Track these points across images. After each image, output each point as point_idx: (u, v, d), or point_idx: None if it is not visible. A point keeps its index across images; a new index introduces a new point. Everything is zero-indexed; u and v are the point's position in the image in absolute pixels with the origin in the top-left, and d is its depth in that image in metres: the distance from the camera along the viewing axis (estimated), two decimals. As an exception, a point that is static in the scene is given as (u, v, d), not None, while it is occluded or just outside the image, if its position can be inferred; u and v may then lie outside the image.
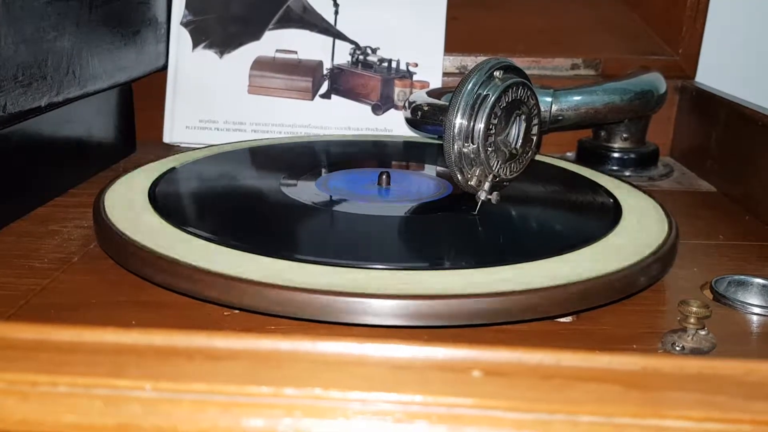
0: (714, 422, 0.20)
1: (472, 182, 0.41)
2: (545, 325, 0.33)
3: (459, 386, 0.20)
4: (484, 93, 0.40)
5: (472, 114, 0.40)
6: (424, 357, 0.21)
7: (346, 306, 0.30)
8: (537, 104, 0.43)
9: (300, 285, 0.31)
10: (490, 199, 0.41)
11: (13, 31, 0.41)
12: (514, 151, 0.42)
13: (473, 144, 0.40)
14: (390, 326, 0.31)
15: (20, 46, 0.41)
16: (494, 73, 0.41)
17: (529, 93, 0.42)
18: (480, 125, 0.40)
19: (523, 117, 0.42)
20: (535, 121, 0.43)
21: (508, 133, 0.42)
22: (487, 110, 0.40)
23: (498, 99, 0.40)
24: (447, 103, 0.41)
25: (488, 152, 0.40)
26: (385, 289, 0.31)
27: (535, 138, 0.44)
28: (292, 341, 0.21)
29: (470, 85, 0.40)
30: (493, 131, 0.40)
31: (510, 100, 0.41)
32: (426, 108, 0.48)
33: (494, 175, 0.41)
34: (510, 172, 0.42)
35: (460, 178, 0.41)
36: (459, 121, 0.40)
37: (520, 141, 0.43)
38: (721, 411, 0.20)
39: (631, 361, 0.21)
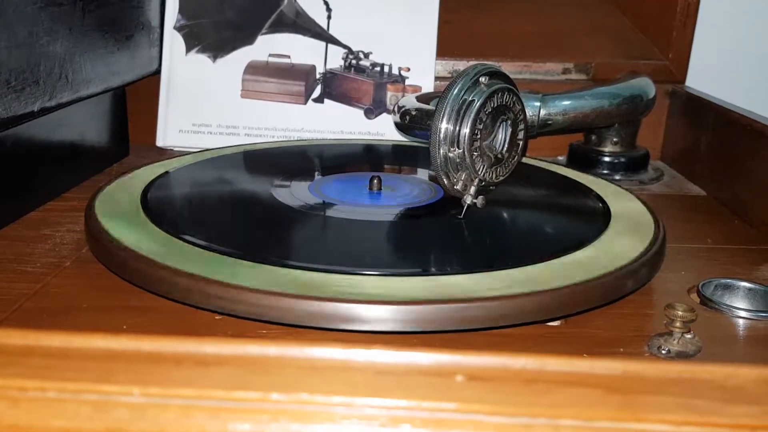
0: (693, 426, 0.20)
1: (458, 186, 0.41)
2: (534, 329, 0.33)
3: (443, 391, 0.21)
4: (470, 98, 0.40)
5: (458, 119, 0.40)
6: (409, 362, 0.21)
7: (334, 311, 0.30)
8: (523, 109, 0.43)
9: (289, 291, 0.31)
10: (475, 203, 0.42)
11: (6, 36, 0.41)
12: (500, 156, 0.42)
13: (459, 149, 0.40)
14: (377, 332, 0.31)
15: (13, 51, 0.42)
16: (480, 79, 0.41)
17: (514, 98, 0.42)
18: (465, 130, 0.40)
19: (509, 122, 0.43)
20: (521, 126, 0.44)
21: (494, 138, 0.42)
22: (472, 115, 0.40)
23: (483, 104, 0.40)
24: (434, 108, 0.41)
25: (474, 157, 0.41)
26: (372, 295, 0.31)
27: (521, 143, 0.44)
28: (278, 347, 0.22)
29: (456, 90, 0.40)
30: (478, 136, 0.41)
31: (495, 105, 0.41)
32: (414, 112, 0.48)
33: (480, 180, 0.41)
34: (496, 176, 0.43)
35: (446, 182, 0.42)
36: (444, 125, 0.40)
37: (506, 146, 0.43)
38: (700, 415, 0.20)
39: (612, 365, 0.21)
